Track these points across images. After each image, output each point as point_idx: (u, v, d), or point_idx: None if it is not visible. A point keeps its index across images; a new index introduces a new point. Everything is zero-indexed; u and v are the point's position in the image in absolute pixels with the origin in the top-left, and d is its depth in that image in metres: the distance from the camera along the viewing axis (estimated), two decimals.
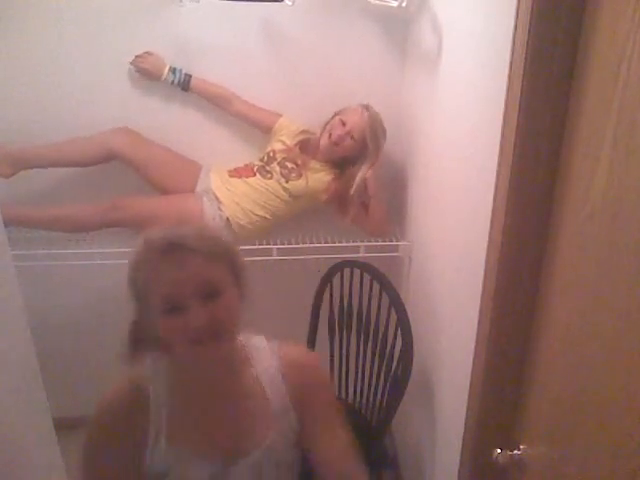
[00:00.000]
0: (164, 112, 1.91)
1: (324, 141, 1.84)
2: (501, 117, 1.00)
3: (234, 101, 1.88)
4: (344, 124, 1.80)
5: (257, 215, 1.84)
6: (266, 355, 1.01)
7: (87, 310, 2.14)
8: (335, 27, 1.84)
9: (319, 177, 1.87)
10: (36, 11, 1.75)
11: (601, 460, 0.80)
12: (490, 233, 1.08)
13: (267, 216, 1.86)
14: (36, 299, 1.64)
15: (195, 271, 0.84)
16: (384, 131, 1.83)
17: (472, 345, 1.19)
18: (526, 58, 0.90)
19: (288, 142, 1.88)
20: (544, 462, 1.00)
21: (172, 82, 1.83)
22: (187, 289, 0.83)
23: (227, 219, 1.82)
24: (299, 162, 1.85)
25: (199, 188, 1.88)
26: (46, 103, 1.84)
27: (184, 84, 1.84)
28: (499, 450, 1.06)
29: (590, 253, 0.82)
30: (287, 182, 1.83)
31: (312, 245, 1.88)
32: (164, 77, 1.82)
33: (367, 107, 1.81)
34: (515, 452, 1.05)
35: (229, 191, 1.84)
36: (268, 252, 1.86)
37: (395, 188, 2.01)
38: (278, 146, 1.88)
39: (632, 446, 0.71)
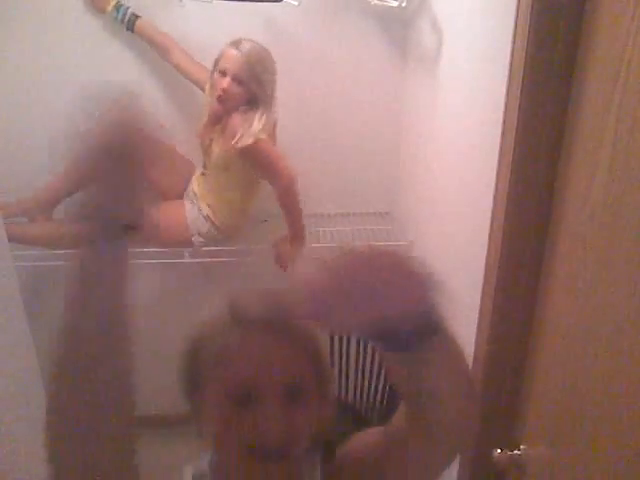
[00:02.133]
0: (165, 110, 1.91)
1: (215, 106, 1.65)
2: (501, 117, 1.00)
3: (174, 50, 1.77)
4: (225, 74, 1.61)
5: (223, 205, 1.80)
6: None
7: None
8: (335, 27, 1.84)
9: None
10: (36, 11, 1.75)
11: (601, 460, 0.79)
12: (490, 233, 1.08)
13: (234, 199, 1.80)
14: (36, 299, 1.63)
15: (285, 359, 0.64)
16: (265, 67, 1.64)
17: (472, 345, 1.19)
18: (526, 58, 0.90)
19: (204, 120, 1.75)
20: (544, 462, 1.00)
21: (115, 18, 1.74)
22: (269, 378, 0.62)
23: (208, 217, 1.80)
24: (212, 138, 1.74)
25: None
26: (46, 104, 1.84)
27: (129, 24, 1.74)
28: (499, 450, 1.06)
29: (590, 253, 0.82)
30: (209, 160, 1.76)
31: (312, 245, 1.88)
32: (109, 11, 1.73)
33: (238, 43, 1.61)
34: (515, 452, 1.05)
35: (198, 188, 1.82)
36: (268, 252, 1.86)
37: (395, 188, 2.00)
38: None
39: (632, 446, 0.71)
